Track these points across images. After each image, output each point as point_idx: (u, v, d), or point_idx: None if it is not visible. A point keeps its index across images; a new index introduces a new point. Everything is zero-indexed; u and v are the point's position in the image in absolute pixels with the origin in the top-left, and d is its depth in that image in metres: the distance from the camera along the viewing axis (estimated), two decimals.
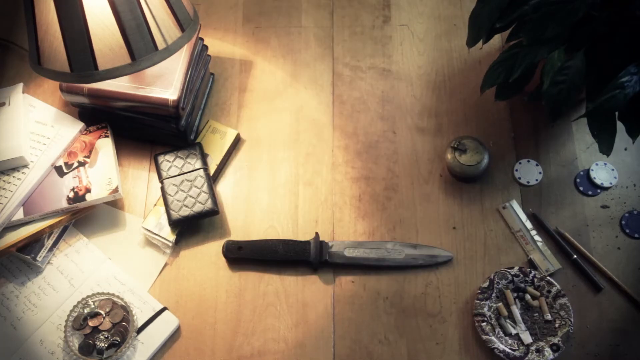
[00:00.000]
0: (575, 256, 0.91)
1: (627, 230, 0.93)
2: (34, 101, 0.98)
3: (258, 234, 0.94)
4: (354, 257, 0.90)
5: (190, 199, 0.92)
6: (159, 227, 0.92)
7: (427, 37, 1.08)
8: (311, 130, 1.01)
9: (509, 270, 0.89)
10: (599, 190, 0.96)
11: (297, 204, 0.96)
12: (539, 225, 0.94)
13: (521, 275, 0.89)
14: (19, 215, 0.89)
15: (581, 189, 0.96)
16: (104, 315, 0.87)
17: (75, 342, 0.86)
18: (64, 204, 0.90)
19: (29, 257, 0.89)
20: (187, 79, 0.92)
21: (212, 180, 0.95)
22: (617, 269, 0.91)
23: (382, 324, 0.88)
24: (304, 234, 0.94)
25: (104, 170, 0.93)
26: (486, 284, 0.89)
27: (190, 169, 0.94)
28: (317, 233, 0.92)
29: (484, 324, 0.86)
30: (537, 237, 0.92)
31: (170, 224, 0.91)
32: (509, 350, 0.85)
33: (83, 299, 0.88)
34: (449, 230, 0.94)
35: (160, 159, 0.95)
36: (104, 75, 0.81)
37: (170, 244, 0.91)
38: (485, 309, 0.87)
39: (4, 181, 0.90)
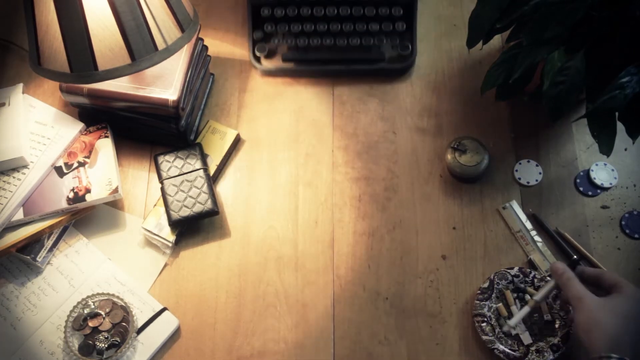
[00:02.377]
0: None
1: (627, 231, 0.93)
2: (34, 101, 0.98)
3: (258, 234, 0.94)
4: None
5: (190, 199, 0.92)
6: (159, 227, 0.92)
7: (427, 37, 1.07)
8: (311, 131, 1.01)
9: (508, 271, 0.89)
10: (599, 191, 0.96)
11: (297, 205, 0.96)
12: (539, 226, 0.94)
13: (521, 276, 0.89)
14: (19, 215, 0.89)
15: (581, 189, 0.96)
16: (104, 315, 0.87)
17: (75, 343, 0.86)
18: (64, 204, 0.90)
19: (28, 257, 0.89)
20: (187, 79, 0.92)
21: (212, 180, 0.95)
22: (617, 269, 0.90)
23: (382, 324, 0.88)
24: (303, 235, 0.94)
25: (104, 170, 0.93)
26: (486, 284, 0.89)
27: (190, 170, 0.94)
28: None
29: (484, 324, 0.86)
30: (537, 238, 0.92)
31: (170, 225, 0.91)
32: (509, 351, 0.85)
33: (83, 299, 0.88)
34: (449, 230, 0.94)
35: (160, 159, 0.95)
36: (104, 76, 0.81)
37: (170, 244, 0.91)
38: (485, 310, 0.87)
39: (4, 181, 0.90)
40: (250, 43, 1.04)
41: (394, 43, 1.01)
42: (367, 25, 1.01)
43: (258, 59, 1.04)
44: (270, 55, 1.04)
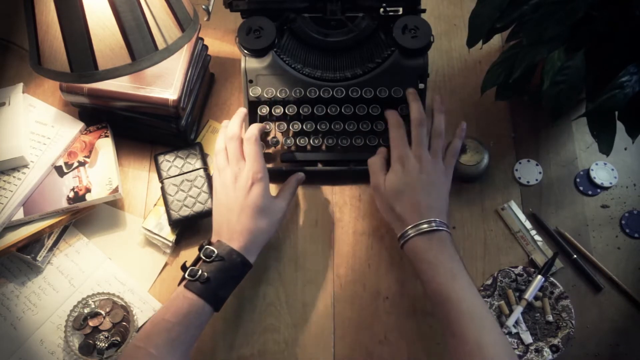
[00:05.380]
0: (575, 256, 0.91)
1: (627, 230, 0.93)
2: (34, 101, 0.98)
3: None
4: None
5: (190, 198, 0.92)
6: (159, 227, 0.92)
7: None
8: None
9: (512, 270, 0.89)
10: (599, 190, 0.96)
11: (297, 204, 0.96)
12: (538, 225, 0.94)
13: (525, 275, 0.89)
14: (19, 215, 0.89)
15: (581, 188, 0.96)
16: (104, 315, 0.87)
17: (75, 342, 0.86)
18: (64, 204, 0.90)
19: (29, 257, 0.89)
20: (187, 79, 0.92)
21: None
22: (617, 268, 0.91)
23: (382, 323, 0.88)
24: (303, 234, 0.94)
25: (104, 170, 0.93)
26: (489, 281, 0.89)
27: (190, 169, 0.94)
28: None
29: None
30: (537, 237, 0.92)
31: (170, 224, 0.91)
32: None
33: (83, 298, 0.88)
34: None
35: (160, 159, 0.95)
36: (104, 75, 0.81)
37: (170, 244, 0.91)
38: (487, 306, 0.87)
39: (4, 181, 0.90)
40: None
41: None
42: (372, 125, 0.94)
43: None
44: (267, 158, 0.96)
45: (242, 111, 0.92)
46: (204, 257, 0.79)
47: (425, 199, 0.82)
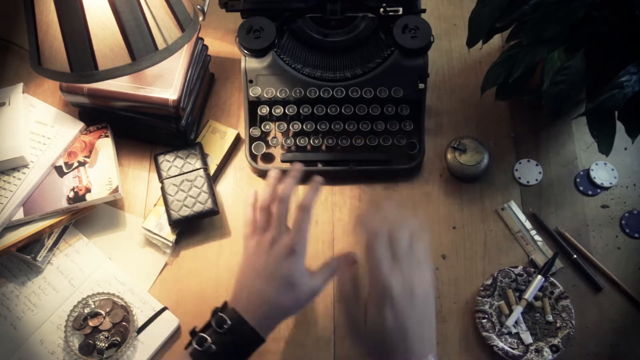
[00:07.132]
0: (575, 256, 0.91)
1: (627, 230, 0.93)
2: (34, 101, 0.98)
3: None
4: None
5: (191, 199, 0.92)
6: (159, 227, 0.92)
7: None
8: None
9: (512, 270, 0.89)
10: (599, 190, 0.96)
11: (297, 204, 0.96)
12: (538, 225, 0.94)
13: (525, 275, 0.89)
14: (19, 215, 0.89)
15: (581, 188, 0.96)
16: (104, 315, 0.87)
17: (75, 342, 0.86)
18: (64, 204, 0.90)
19: (29, 257, 0.89)
20: (187, 79, 0.92)
21: (212, 180, 0.96)
22: (617, 268, 0.91)
23: None
24: None
25: (104, 170, 0.93)
26: (489, 281, 0.89)
27: (190, 169, 0.94)
28: None
29: (485, 320, 0.86)
30: (537, 237, 0.92)
31: (170, 224, 0.91)
32: (508, 348, 0.85)
33: (83, 299, 0.88)
34: (449, 230, 0.94)
35: (160, 159, 0.95)
36: (104, 75, 0.81)
37: (170, 244, 0.91)
38: (487, 306, 0.87)
39: (4, 181, 0.90)
40: (247, 141, 0.97)
41: (401, 143, 0.93)
42: (372, 125, 0.94)
43: (255, 158, 0.97)
44: (267, 158, 0.98)
45: (299, 169, 0.81)
46: (214, 325, 0.73)
47: (417, 333, 0.69)
